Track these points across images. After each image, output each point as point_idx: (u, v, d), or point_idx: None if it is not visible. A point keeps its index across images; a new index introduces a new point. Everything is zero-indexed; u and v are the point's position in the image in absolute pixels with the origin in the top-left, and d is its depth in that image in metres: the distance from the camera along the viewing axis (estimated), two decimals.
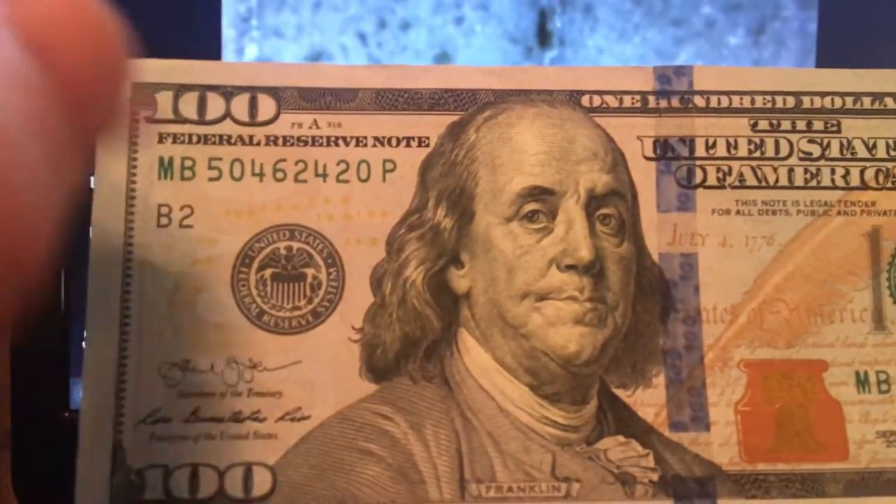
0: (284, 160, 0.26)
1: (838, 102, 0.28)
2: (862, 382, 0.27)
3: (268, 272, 0.25)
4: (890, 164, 0.28)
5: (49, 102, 0.14)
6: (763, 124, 0.28)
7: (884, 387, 0.27)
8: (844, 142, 0.28)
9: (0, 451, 0.32)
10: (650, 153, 0.27)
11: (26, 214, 0.14)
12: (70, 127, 0.15)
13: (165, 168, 0.25)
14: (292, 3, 0.48)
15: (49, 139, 0.14)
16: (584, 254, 0.26)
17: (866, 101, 0.28)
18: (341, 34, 0.47)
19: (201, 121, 0.26)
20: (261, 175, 0.26)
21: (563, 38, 0.46)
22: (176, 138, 0.25)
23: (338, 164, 0.26)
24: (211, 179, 0.25)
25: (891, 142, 0.28)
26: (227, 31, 0.47)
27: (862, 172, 0.28)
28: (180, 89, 0.26)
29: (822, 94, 0.28)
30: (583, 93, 0.27)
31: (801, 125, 0.28)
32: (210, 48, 0.45)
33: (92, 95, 0.15)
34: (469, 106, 0.27)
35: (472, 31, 0.46)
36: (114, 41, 0.16)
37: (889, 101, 0.28)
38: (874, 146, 0.28)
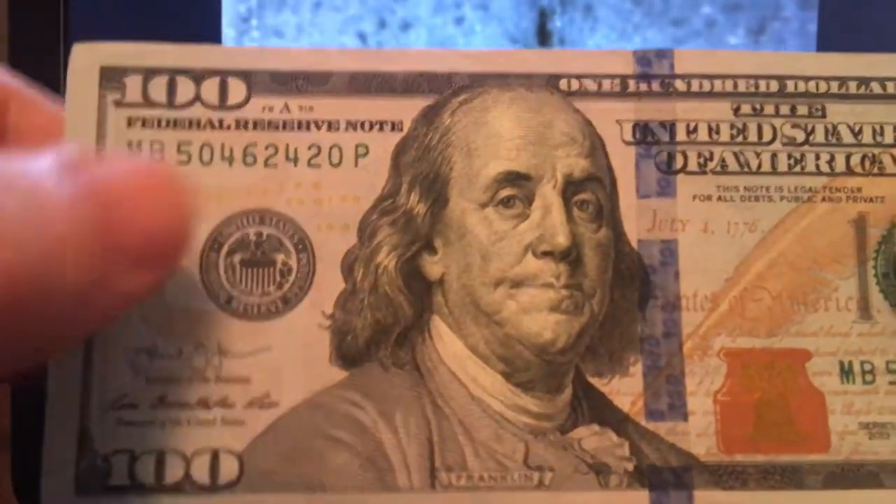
0: (255, 144, 0.25)
1: (823, 87, 0.27)
2: (846, 373, 0.26)
3: (237, 257, 0.25)
4: (876, 150, 0.27)
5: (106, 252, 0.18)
6: (746, 109, 0.27)
7: (868, 377, 0.26)
8: (829, 127, 0.27)
9: (0, 451, 0.32)
10: (629, 138, 0.27)
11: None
12: (130, 273, 0.19)
13: (134, 152, 0.25)
14: (292, 3, 0.48)
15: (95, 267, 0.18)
16: (561, 240, 0.25)
17: (852, 86, 0.27)
18: (341, 34, 0.47)
19: (171, 105, 0.25)
20: (230, 159, 0.25)
21: (563, 38, 0.46)
22: (145, 122, 0.25)
23: (309, 148, 0.26)
24: (180, 164, 0.25)
25: (877, 127, 0.27)
26: (227, 31, 0.47)
27: (847, 158, 0.27)
28: (149, 73, 0.25)
29: (807, 79, 0.27)
30: (561, 76, 0.27)
31: (784, 110, 0.27)
32: None
33: (155, 254, 0.19)
34: (444, 90, 0.26)
35: (472, 31, 0.46)
36: (180, 207, 0.20)
37: (875, 86, 0.27)
38: (860, 131, 0.27)
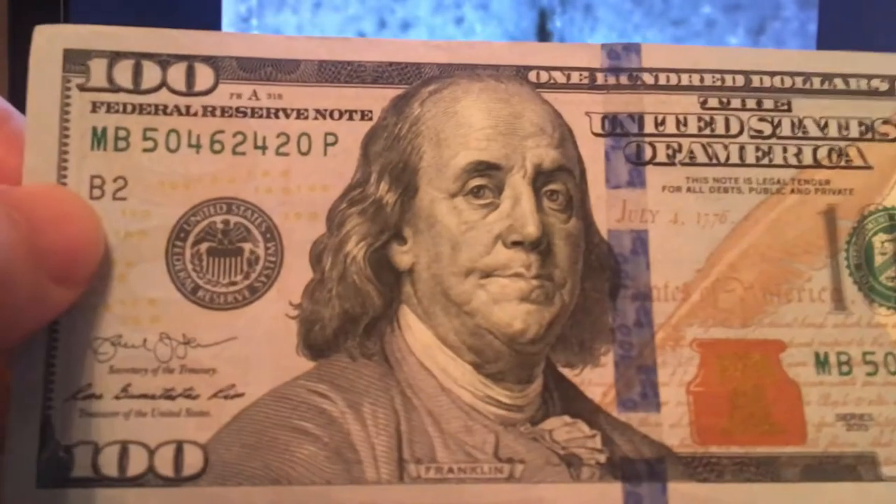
0: (222, 132, 0.25)
1: (788, 82, 0.28)
2: (822, 363, 0.26)
3: (204, 246, 0.25)
4: (843, 143, 0.28)
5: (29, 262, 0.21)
6: (713, 102, 0.27)
7: (844, 368, 0.26)
8: (796, 121, 0.28)
9: None
10: (598, 129, 0.27)
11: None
12: (49, 281, 0.22)
13: (99, 138, 0.25)
14: (292, 3, 0.49)
15: (29, 286, 0.21)
16: (531, 230, 0.25)
17: (816, 82, 0.28)
18: (341, 34, 0.47)
19: (136, 90, 0.25)
20: (198, 147, 0.25)
21: (563, 38, 0.46)
22: (110, 107, 0.25)
23: (278, 136, 0.26)
24: (146, 150, 0.25)
25: (842, 121, 0.28)
26: (227, 31, 0.47)
27: (815, 151, 0.27)
28: (115, 56, 0.25)
29: (772, 74, 0.28)
30: (530, 68, 0.27)
31: (751, 103, 0.27)
32: None
33: (67, 267, 0.22)
34: (413, 79, 0.26)
35: (472, 31, 0.46)
36: (87, 229, 0.23)
37: (838, 82, 0.28)
38: (826, 125, 0.28)
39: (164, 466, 0.23)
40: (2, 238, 0.20)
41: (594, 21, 0.46)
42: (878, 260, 0.27)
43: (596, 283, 0.26)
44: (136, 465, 0.23)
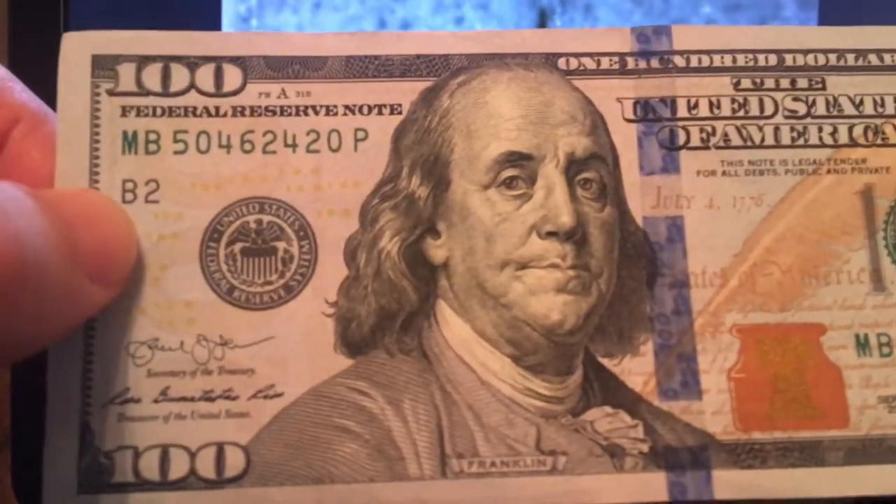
0: (252, 131, 0.25)
1: (822, 60, 0.27)
2: (862, 346, 0.26)
3: (237, 247, 0.25)
4: (878, 121, 0.27)
5: (66, 258, 0.21)
6: (746, 83, 0.27)
7: (885, 350, 0.26)
8: (830, 99, 0.27)
9: (0, 451, 0.31)
10: (630, 115, 0.26)
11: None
12: (85, 279, 0.22)
13: (129, 142, 0.25)
14: (292, 3, 0.48)
15: (66, 282, 0.21)
16: (566, 220, 0.25)
17: (850, 58, 0.27)
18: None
19: (165, 93, 0.25)
20: (228, 147, 0.25)
21: None
22: (140, 111, 0.25)
23: (307, 133, 0.25)
24: (176, 153, 0.25)
25: (878, 98, 0.27)
26: (227, 31, 0.47)
27: (850, 129, 0.27)
28: (143, 61, 0.25)
29: (805, 52, 0.27)
30: (559, 55, 0.26)
31: (784, 83, 0.27)
32: None
33: (102, 265, 0.22)
34: (442, 71, 0.26)
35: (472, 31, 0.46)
36: (120, 229, 0.23)
37: (873, 58, 0.27)
38: (861, 103, 0.27)
39: (206, 469, 0.23)
40: (39, 233, 0.20)
41: (594, 21, 0.46)
42: None
43: (633, 272, 0.26)
44: (178, 468, 0.23)
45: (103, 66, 0.25)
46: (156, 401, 0.24)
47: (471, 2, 0.46)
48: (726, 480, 0.24)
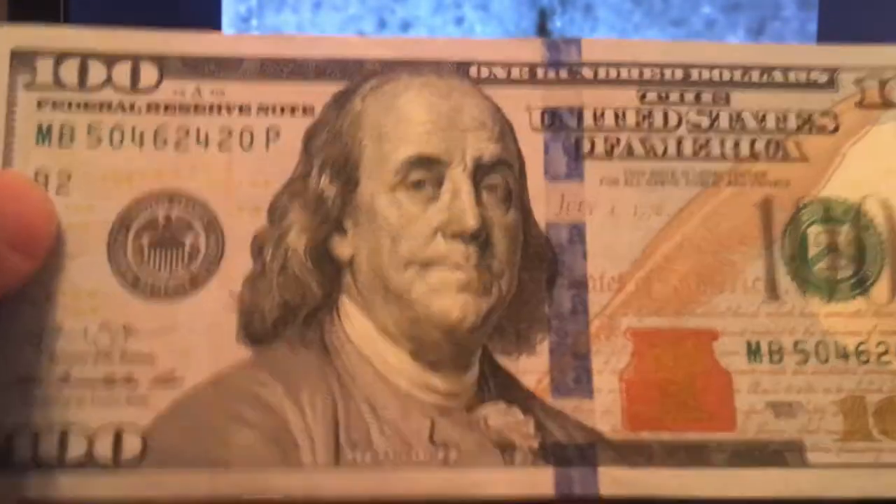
0: (166, 127, 0.26)
1: (727, 75, 0.28)
2: (753, 352, 0.27)
3: (145, 239, 0.25)
4: (780, 136, 0.28)
5: None
6: (651, 96, 0.28)
7: (776, 357, 0.27)
8: (734, 114, 0.28)
9: None
10: (538, 124, 0.27)
11: None
12: (5, 247, 0.23)
13: (44, 135, 0.25)
14: (292, 3, 0.49)
15: None
16: (470, 222, 0.26)
17: (755, 75, 0.28)
18: (341, 34, 0.47)
19: (82, 88, 0.26)
20: (141, 142, 0.26)
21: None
22: (55, 105, 0.26)
23: (220, 131, 0.26)
24: (90, 146, 0.26)
25: (780, 114, 0.28)
26: (227, 31, 0.47)
27: (752, 144, 0.28)
28: (61, 56, 0.26)
29: (711, 67, 0.28)
30: (471, 63, 0.27)
31: (689, 97, 0.28)
32: None
33: (22, 236, 0.24)
34: (355, 76, 0.27)
35: (472, 31, 0.46)
36: (39, 203, 0.24)
37: (777, 75, 0.28)
38: (763, 118, 0.28)
39: (104, 452, 0.24)
40: None
41: (594, 21, 0.47)
42: (812, 251, 0.28)
43: (533, 274, 0.27)
44: (76, 450, 0.24)
45: (22, 60, 0.25)
46: (57, 384, 0.24)
47: (471, 2, 0.47)
48: (612, 477, 0.25)
